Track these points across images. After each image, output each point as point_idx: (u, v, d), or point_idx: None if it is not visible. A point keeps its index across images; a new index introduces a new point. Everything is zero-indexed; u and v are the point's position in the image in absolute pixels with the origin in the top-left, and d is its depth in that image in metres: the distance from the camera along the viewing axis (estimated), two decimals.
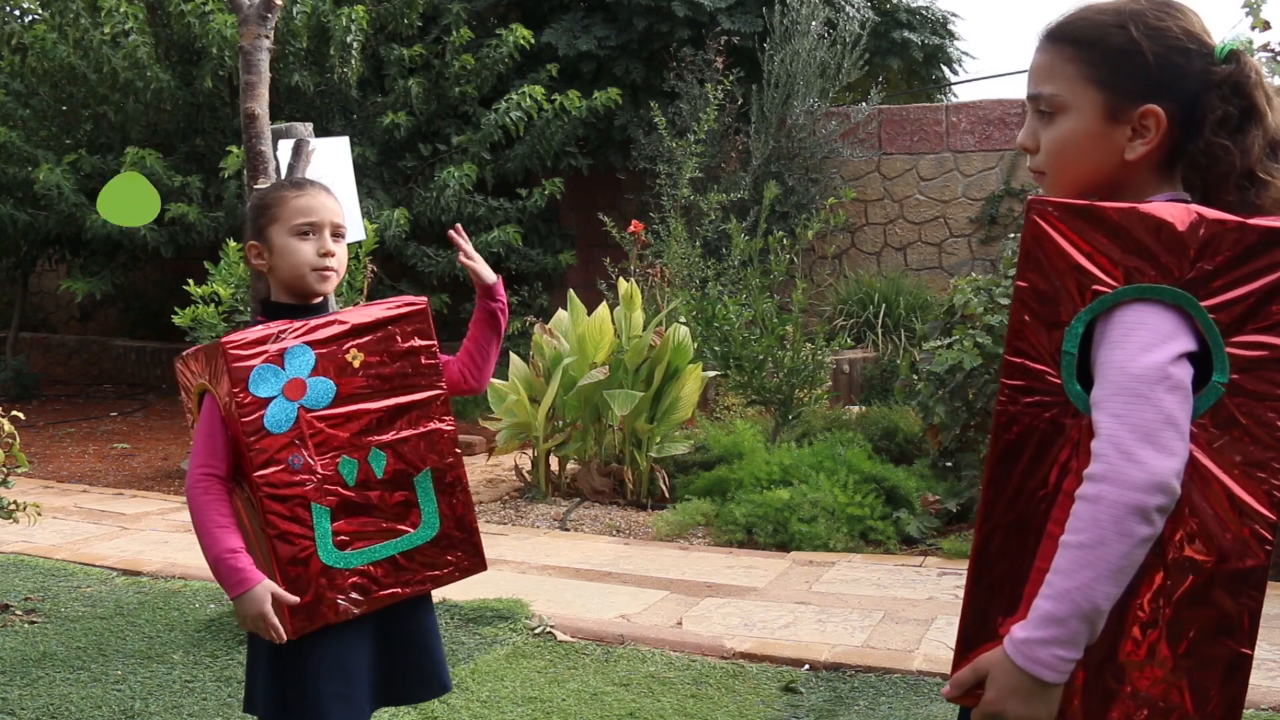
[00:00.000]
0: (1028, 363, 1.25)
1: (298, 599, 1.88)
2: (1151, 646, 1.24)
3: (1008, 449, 1.25)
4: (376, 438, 1.98)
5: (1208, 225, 1.23)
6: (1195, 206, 1.25)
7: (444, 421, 2.05)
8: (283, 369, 1.91)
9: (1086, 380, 1.25)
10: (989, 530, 1.27)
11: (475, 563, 2.09)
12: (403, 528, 1.99)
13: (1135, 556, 1.18)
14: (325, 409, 1.94)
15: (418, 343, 2.04)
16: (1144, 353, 1.20)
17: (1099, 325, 1.24)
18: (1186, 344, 1.22)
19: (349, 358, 1.96)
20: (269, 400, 1.89)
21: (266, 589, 1.85)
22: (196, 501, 1.89)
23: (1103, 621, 1.20)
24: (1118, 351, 1.21)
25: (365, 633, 1.99)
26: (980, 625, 1.27)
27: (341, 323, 1.97)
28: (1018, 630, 1.22)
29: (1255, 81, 1.32)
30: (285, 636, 1.86)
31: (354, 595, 1.94)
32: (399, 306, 2.04)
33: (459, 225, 2.20)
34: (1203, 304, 1.22)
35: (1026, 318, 1.25)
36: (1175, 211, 1.24)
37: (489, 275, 2.16)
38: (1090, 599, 1.18)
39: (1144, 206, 1.25)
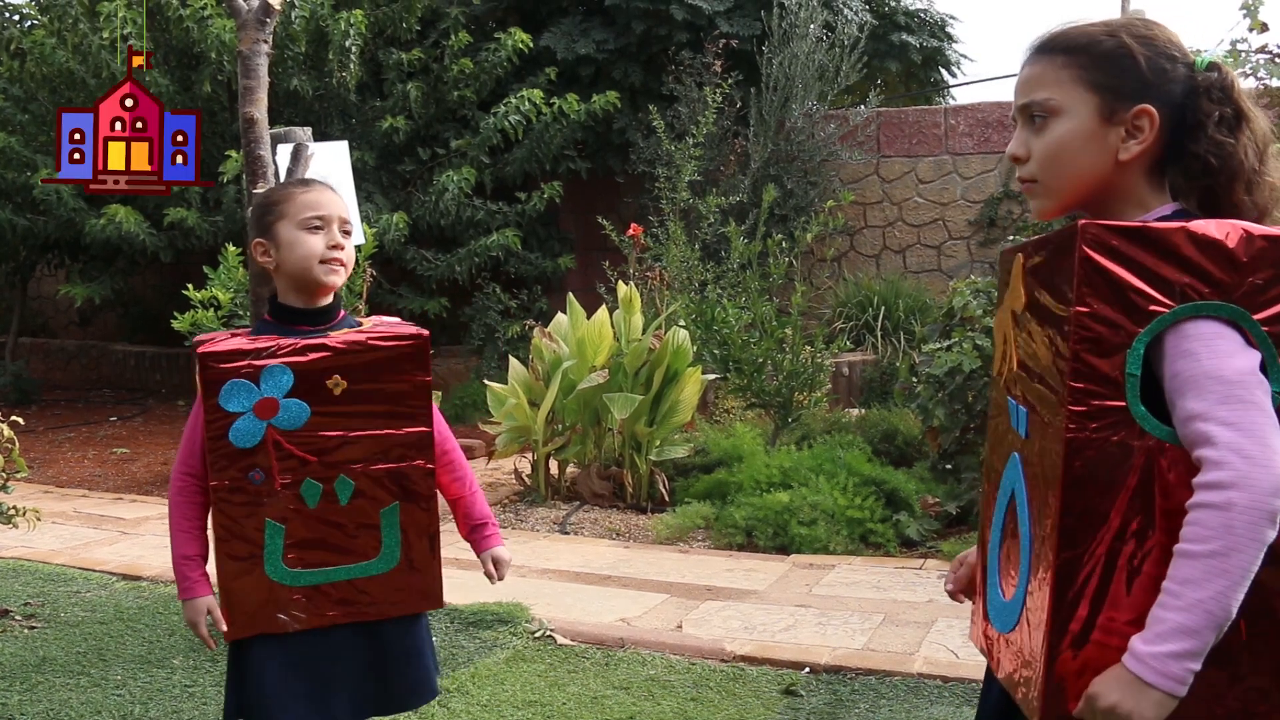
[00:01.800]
0: (1092, 386, 1.26)
1: (225, 628, 1.93)
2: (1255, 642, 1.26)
3: (1080, 476, 1.26)
4: (346, 466, 1.94)
5: (1254, 240, 1.25)
6: (1238, 222, 1.28)
7: (424, 460, 1.99)
8: (257, 387, 1.89)
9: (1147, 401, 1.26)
10: (1071, 558, 1.27)
11: (429, 600, 2.03)
12: (360, 555, 1.96)
13: (1259, 561, 1.19)
14: (296, 430, 1.91)
15: (408, 378, 1.96)
16: (1231, 359, 1.22)
17: (1166, 342, 1.25)
18: (1256, 354, 1.24)
19: (330, 384, 1.92)
20: (237, 415, 1.88)
21: (205, 604, 1.94)
22: (171, 500, 1.99)
23: (1227, 628, 1.21)
24: (1204, 362, 1.22)
25: (352, 639, 1.98)
26: (1077, 644, 1.28)
27: (331, 348, 1.92)
28: (1140, 644, 1.21)
29: (1239, 88, 1.38)
30: (213, 648, 1.96)
31: (295, 612, 1.93)
32: (396, 339, 1.96)
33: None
34: (1255, 317, 1.25)
35: (1087, 343, 1.26)
36: (1222, 228, 1.26)
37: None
38: (1224, 607, 1.18)
39: (1191, 225, 1.27)
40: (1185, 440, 1.23)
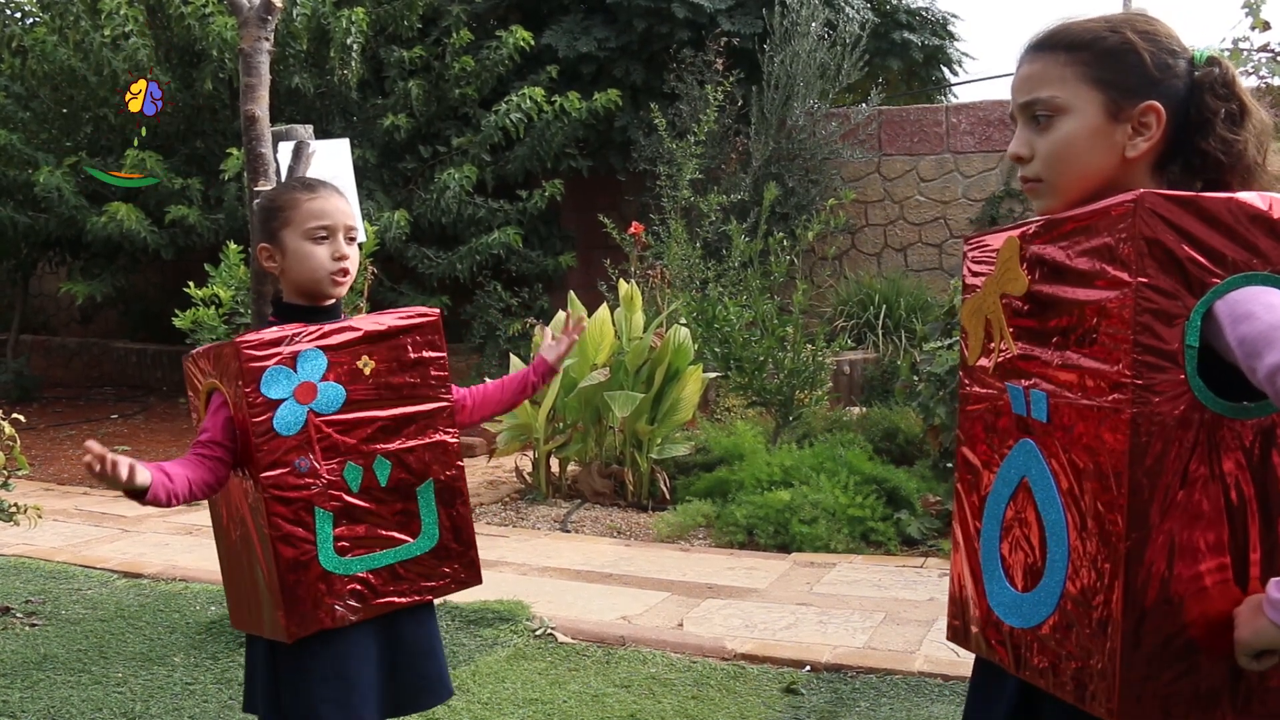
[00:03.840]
0: (1154, 360, 1.25)
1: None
2: None
3: (1145, 453, 1.24)
4: (382, 445, 1.98)
5: None
6: (1270, 194, 1.27)
7: (449, 434, 2.06)
8: (295, 371, 1.91)
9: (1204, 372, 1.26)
10: (1140, 538, 1.25)
11: (471, 576, 2.09)
12: (402, 537, 2.00)
13: None
14: (334, 414, 1.94)
15: (428, 354, 2.04)
16: None
17: (1218, 313, 1.24)
18: None
19: (360, 364, 1.97)
20: (280, 402, 1.89)
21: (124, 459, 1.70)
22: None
23: None
24: (1264, 317, 1.21)
25: (369, 640, 1.98)
26: (1157, 634, 1.26)
27: (355, 329, 1.97)
28: (1275, 590, 1.20)
29: (1239, 82, 1.37)
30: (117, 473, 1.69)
31: (351, 602, 1.94)
32: (412, 317, 2.04)
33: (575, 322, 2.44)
34: None
35: (1149, 315, 1.25)
36: (1265, 199, 1.26)
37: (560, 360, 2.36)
38: None
39: (1238, 196, 1.26)
40: (1276, 396, 1.20)
